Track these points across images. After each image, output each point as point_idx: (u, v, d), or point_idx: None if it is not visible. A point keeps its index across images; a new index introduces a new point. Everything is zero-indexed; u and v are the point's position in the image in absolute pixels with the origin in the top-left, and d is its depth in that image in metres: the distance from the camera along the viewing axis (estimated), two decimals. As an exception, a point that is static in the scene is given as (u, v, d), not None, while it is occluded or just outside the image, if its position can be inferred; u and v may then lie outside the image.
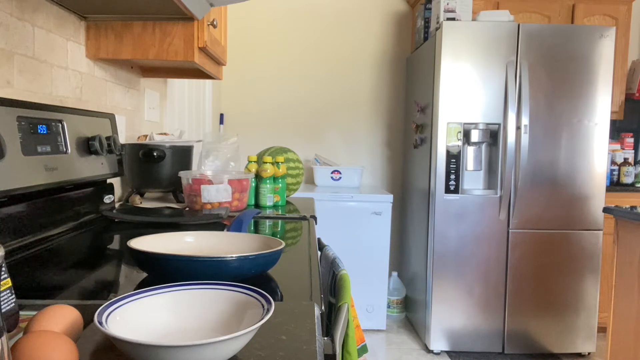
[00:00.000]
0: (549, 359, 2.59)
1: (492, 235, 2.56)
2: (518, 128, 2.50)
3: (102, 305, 0.53)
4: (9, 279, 0.49)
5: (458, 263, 2.57)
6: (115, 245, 1.04)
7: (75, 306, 0.63)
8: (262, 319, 0.49)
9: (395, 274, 3.14)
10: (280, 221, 1.37)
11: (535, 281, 2.58)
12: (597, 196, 2.56)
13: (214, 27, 1.45)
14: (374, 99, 3.35)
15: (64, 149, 1.11)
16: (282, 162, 1.69)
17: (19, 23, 1.07)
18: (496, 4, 2.98)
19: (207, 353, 0.44)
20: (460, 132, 2.52)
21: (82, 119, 1.21)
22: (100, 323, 0.47)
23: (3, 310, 0.48)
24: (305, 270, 0.85)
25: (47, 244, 1.01)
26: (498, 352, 2.62)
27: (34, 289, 0.72)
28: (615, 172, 3.11)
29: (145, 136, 1.68)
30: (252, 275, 0.76)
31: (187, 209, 1.46)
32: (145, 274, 0.80)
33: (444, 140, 2.52)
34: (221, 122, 3.28)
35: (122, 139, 1.63)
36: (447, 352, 2.62)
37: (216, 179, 1.40)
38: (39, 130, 1.01)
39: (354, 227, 2.82)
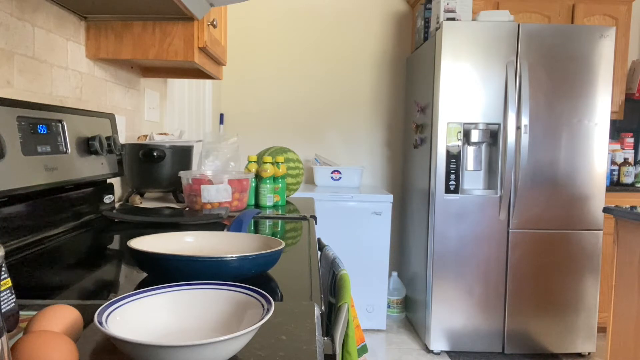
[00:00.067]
0: (549, 359, 2.59)
1: (492, 235, 2.56)
2: (518, 128, 2.50)
3: (102, 305, 0.53)
4: (9, 279, 0.49)
5: (458, 263, 2.57)
6: (115, 245, 1.04)
7: (75, 306, 0.63)
8: (262, 319, 0.49)
9: (395, 274, 3.14)
10: (280, 221, 1.37)
11: (535, 281, 2.58)
12: (597, 196, 2.56)
13: (214, 27, 1.45)
14: (374, 99, 3.35)
15: (64, 149, 1.11)
16: (282, 162, 1.69)
17: (19, 23, 1.07)
18: (496, 4, 2.98)
19: (207, 353, 0.44)
20: (460, 132, 2.52)
21: (82, 119, 1.21)
22: (100, 323, 0.47)
23: (3, 310, 0.48)
24: (305, 270, 0.85)
25: (47, 244, 1.01)
26: (498, 352, 2.62)
27: (34, 289, 0.72)
28: (615, 172, 3.11)
29: (145, 136, 1.68)
30: (252, 275, 0.76)
31: (187, 209, 1.46)
32: (145, 274, 0.80)
33: (444, 140, 2.52)
34: (221, 122, 3.28)
35: (122, 139, 1.63)
36: (447, 352, 2.62)
37: (216, 179, 1.40)
38: (39, 130, 1.01)
39: (354, 227, 2.82)
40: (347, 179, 3.07)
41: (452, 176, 2.53)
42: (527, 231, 2.56)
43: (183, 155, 1.60)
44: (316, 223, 1.54)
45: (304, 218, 1.42)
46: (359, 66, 3.33)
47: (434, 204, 2.56)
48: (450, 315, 2.59)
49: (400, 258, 3.31)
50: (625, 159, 3.10)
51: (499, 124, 2.53)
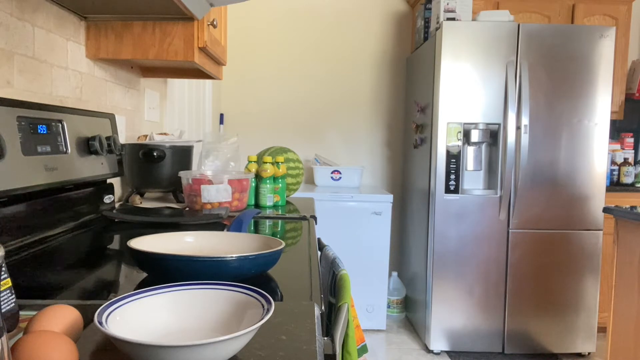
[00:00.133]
0: (549, 359, 2.59)
1: (492, 235, 2.56)
2: (518, 128, 2.50)
3: (102, 305, 0.53)
4: (9, 279, 0.49)
5: (458, 263, 2.57)
6: (115, 245, 1.04)
7: (75, 306, 0.63)
8: (262, 319, 0.49)
9: (395, 274, 3.14)
10: (280, 221, 1.37)
11: (535, 281, 2.58)
12: (597, 196, 2.56)
13: (214, 27, 1.45)
14: (374, 99, 3.35)
15: (64, 149, 1.11)
16: (282, 162, 1.69)
17: (19, 23, 1.07)
18: (496, 4, 2.98)
19: (207, 353, 0.44)
20: (460, 132, 2.52)
21: (82, 119, 1.21)
22: (100, 323, 0.47)
23: (3, 310, 0.48)
24: (305, 270, 0.85)
25: (47, 244, 1.01)
26: (498, 352, 2.62)
27: (34, 289, 0.72)
28: (615, 172, 3.11)
29: (145, 136, 1.68)
30: (252, 275, 0.76)
31: (187, 209, 1.46)
32: (145, 274, 0.80)
33: (444, 140, 2.52)
34: (221, 122, 3.28)
35: (122, 139, 1.63)
36: (447, 352, 2.62)
37: (216, 179, 1.40)
38: (39, 130, 1.01)
39: (354, 227, 2.82)
40: (347, 179, 3.07)
41: (452, 176, 2.53)
42: (527, 231, 2.56)
43: (183, 155, 1.60)
44: (316, 223, 1.54)
45: (304, 218, 1.42)
46: (359, 66, 3.33)
47: (434, 204, 2.56)
48: (450, 315, 2.59)
49: (400, 258, 3.31)
50: (625, 159, 3.10)
51: (499, 124, 2.53)
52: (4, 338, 0.36)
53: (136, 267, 0.85)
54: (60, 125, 1.10)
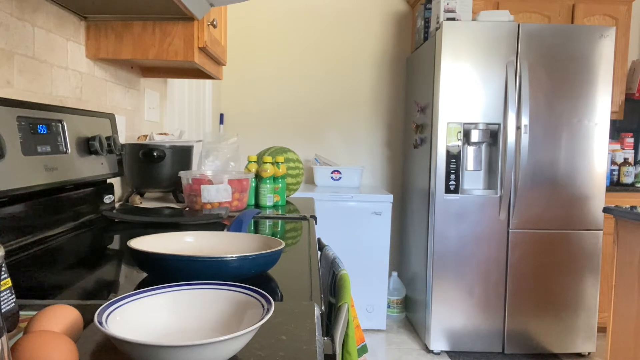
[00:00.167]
0: (549, 359, 2.59)
1: (492, 235, 2.56)
2: (518, 128, 2.50)
3: (102, 305, 0.53)
4: (9, 279, 0.49)
5: (458, 263, 2.57)
6: (115, 245, 1.04)
7: (75, 306, 0.63)
8: (262, 319, 0.49)
9: (395, 274, 3.14)
10: (280, 221, 1.37)
11: (535, 281, 2.58)
12: (597, 196, 2.56)
13: (214, 27, 1.45)
14: (374, 99, 3.35)
15: (64, 149, 1.11)
16: (282, 162, 1.69)
17: (19, 23, 1.07)
18: (496, 4, 2.98)
19: (207, 353, 0.44)
20: (460, 132, 2.52)
21: (82, 119, 1.21)
22: (100, 323, 0.47)
23: (3, 310, 0.48)
24: (305, 270, 0.85)
25: (47, 244, 1.01)
26: (498, 352, 2.62)
27: (34, 289, 0.72)
28: (615, 172, 3.11)
29: (145, 136, 1.68)
30: (252, 275, 0.76)
31: (187, 209, 1.46)
32: (145, 274, 0.80)
33: (444, 140, 2.52)
34: (221, 122, 3.28)
35: (122, 139, 1.63)
36: (447, 352, 2.62)
37: (216, 179, 1.40)
38: (39, 130, 1.01)
39: (354, 227, 2.82)
40: (347, 179, 3.07)
41: (452, 176, 2.53)
42: (527, 231, 2.56)
43: (183, 155, 1.60)
44: (316, 223, 1.54)
45: (304, 218, 1.42)
46: (359, 66, 3.33)
47: (434, 204, 2.56)
48: (450, 315, 2.59)
49: (400, 258, 3.31)
50: (625, 159, 3.10)
51: (499, 124, 2.53)
52: (4, 338, 0.36)
53: (136, 267, 0.85)
54: (60, 125, 1.10)
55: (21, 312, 0.61)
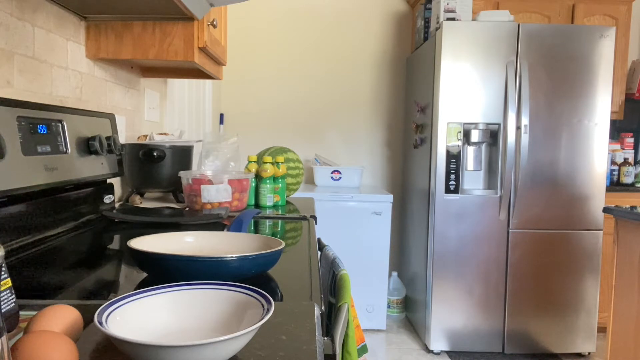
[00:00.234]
0: (549, 359, 2.59)
1: (492, 235, 2.56)
2: (518, 128, 2.50)
3: (102, 305, 0.53)
4: (9, 279, 0.49)
5: (458, 263, 2.57)
6: (115, 245, 1.04)
7: (75, 306, 0.63)
8: (262, 319, 0.49)
9: (395, 274, 3.14)
10: (280, 221, 1.37)
11: (535, 281, 2.58)
12: (597, 196, 2.56)
13: (214, 27, 1.45)
14: (374, 99, 3.35)
15: (64, 149, 1.11)
16: (282, 162, 1.69)
17: (19, 23, 1.07)
18: (496, 4, 2.98)
19: (207, 353, 0.44)
20: (460, 132, 2.52)
21: (82, 119, 1.21)
22: (100, 323, 0.47)
23: (3, 310, 0.48)
24: (305, 270, 0.85)
25: (47, 244, 1.01)
26: (498, 352, 2.62)
27: (34, 289, 0.72)
28: (615, 172, 3.11)
29: (145, 136, 1.68)
30: (252, 275, 0.76)
31: (187, 209, 1.46)
32: (145, 274, 0.80)
33: (444, 140, 2.52)
34: (221, 122, 3.28)
35: (122, 139, 1.63)
36: (447, 352, 2.62)
37: (216, 179, 1.40)
38: (39, 130, 1.01)
39: (354, 227, 2.82)
40: (347, 179, 3.07)
41: (452, 176, 2.53)
42: (527, 231, 2.56)
43: (183, 155, 1.60)
44: (316, 223, 1.54)
45: (304, 218, 1.42)
46: (359, 66, 3.33)
47: (434, 204, 2.56)
48: (450, 315, 2.59)
49: (400, 258, 3.31)
50: (625, 159, 3.10)
51: (499, 124, 2.53)
52: (4, 338, 0.36)
53: (136, 267, 0.85)
54: (60, 125, 1.10)
55: (21, 312, 0.61)
